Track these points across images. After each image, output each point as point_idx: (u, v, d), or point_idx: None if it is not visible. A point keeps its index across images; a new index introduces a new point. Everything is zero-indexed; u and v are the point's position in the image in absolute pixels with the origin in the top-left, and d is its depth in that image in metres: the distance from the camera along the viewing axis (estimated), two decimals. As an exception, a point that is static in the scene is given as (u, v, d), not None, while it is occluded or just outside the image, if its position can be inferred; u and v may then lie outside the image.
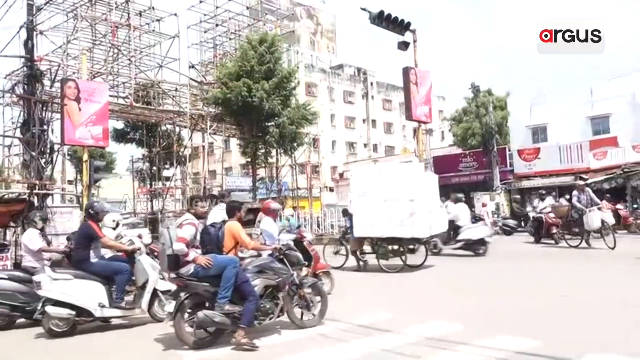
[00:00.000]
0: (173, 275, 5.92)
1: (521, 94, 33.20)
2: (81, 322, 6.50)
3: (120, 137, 31.26)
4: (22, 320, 6.97)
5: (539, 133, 32.68)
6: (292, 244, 7.18)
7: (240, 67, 25.00)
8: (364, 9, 16.84)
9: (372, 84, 55.81)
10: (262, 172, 31.72)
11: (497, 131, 30.17)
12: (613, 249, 12.82)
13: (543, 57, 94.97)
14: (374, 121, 55.38)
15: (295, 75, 27.92)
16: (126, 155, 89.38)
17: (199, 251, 5.91)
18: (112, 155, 44.91)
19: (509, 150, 30.42)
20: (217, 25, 31.67)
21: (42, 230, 7.69)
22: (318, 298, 6.47)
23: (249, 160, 28.47)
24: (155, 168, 30.95)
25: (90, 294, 6.50)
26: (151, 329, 6.66)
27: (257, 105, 24.16)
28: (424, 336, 5.59)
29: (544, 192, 19.21)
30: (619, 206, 19.60)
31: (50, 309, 6.25)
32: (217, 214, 7.52)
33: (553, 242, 15.59)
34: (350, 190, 13.23)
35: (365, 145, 54.42)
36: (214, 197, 7.76)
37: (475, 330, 5.74)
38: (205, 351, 5.53)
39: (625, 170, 23.02)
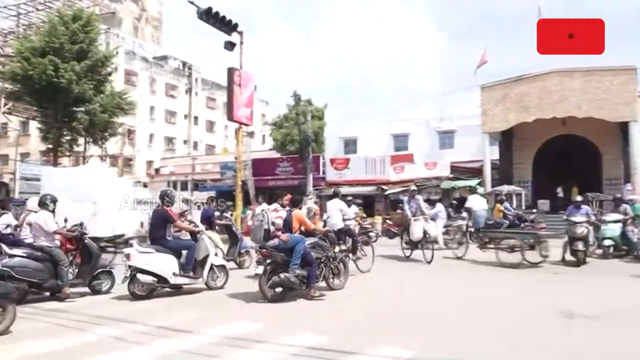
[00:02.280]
0: (258, 246, 8.05)
1: (337, 107, 35.68)
2: (158, 288, 8.08)
3: None
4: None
5: (350, 144, 35.47)
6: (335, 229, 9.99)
7: (47, 43, 22.52)
8: (191, 2, 16.41)
9: (196, 79, 54.60)
10: (65, 161, 28.85)
11: (313, 139, 31.81)
12: (429, 262, 11.83)
13: (358, 75, 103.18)
14: (196, 118, 54.21)
15: (111, 59, 26.09)
16: None
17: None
18: None
19: (323, 158, 32.33)
20: (23, -9, 28.03)
21: (52, 211, 8.09)
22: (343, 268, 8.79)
23: (51, 146, 25.70)
24: None
25: (167, 265, 8.01)
26: (207, 294, 8.36)
27: (64, 87, 21.99)
28: (224, 335, 5.63)
29: (350, 197, 20.51)
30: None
31: (140, 276, 7.77)
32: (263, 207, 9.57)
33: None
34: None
35: (185, 142, 53.00)
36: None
37: (274, 329, 5.96)
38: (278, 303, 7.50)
39: (417, 184, 26.13)
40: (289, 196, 9.24)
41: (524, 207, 23.00)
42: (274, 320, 6.51)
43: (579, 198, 13.42)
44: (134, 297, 7.82)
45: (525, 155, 26.67)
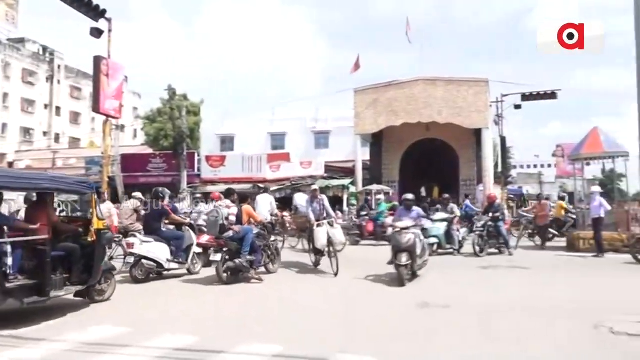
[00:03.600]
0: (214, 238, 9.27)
1: (214, 104, 34.99)
2: (155, 272, 9.30)
3: None
4: None
5: (227, 142, 35.01)
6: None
7: None
8: (52, -18, 15.09)
9: (59, 66, 50.27)
10: None
11: (188, 135, 30.92)
12: (336, 274, 9.63)
13: (238, 72, 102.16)
14: (58, 108, 49.89)
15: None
16: None
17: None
18: None
19: (198, 155, 31.55)
20: None
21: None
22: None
23: None
24: None
25: (162, 252, 9.23)
26: (188, 277, 9.66)
27: None
28: (83, 342, 5.29)
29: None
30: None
31: (145, 262, 9.02)
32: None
33: None
34: None
35: (45, 134, 48.51)
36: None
37: (142, 332, 5.71)
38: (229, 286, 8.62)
39: (293, 182, 26.55)
40: (234, 197, 10.12)
41: (391, 206, 24.43)
42: (144, 323, 6.24)
43: (409, 196, 10.33)
44: (135, 281, 9.03)
45: (393, 156, 28.30)
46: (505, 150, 32.85)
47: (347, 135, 28.08)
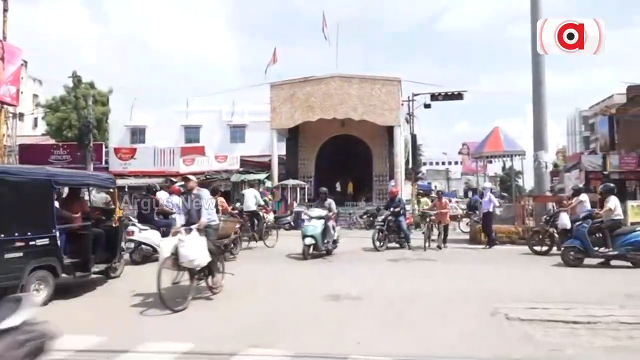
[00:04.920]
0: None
1: (124, 93, 33.38)
2: (151, 255, 10.46)
3: None
4: None
5: (138, 134, 33.64)
6: None
7: None
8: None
9: (-54, 47, 45.69)
10: None
11: (95, 125, 29.34)
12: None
13: (150, 61, 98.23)
14: (-56, 92, 45.37)
15: None
16: None
17: None
18: None
19: (106, 147, 30.11)
20: None
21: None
22: None
23: None
24: None
25: (156, 238, 10.16)
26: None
27: None
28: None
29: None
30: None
31: (143, 247, 10.52)
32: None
33: None
34: None
35: None
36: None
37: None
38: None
39: (208, 176, 26.05)
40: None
41: (306, 201, 24.68)
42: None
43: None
44: (135, 263, 10.24)
45: (309, 152, 28.57)
46: (415, 147, 34.31)
47: (264, 130, 28.00)
